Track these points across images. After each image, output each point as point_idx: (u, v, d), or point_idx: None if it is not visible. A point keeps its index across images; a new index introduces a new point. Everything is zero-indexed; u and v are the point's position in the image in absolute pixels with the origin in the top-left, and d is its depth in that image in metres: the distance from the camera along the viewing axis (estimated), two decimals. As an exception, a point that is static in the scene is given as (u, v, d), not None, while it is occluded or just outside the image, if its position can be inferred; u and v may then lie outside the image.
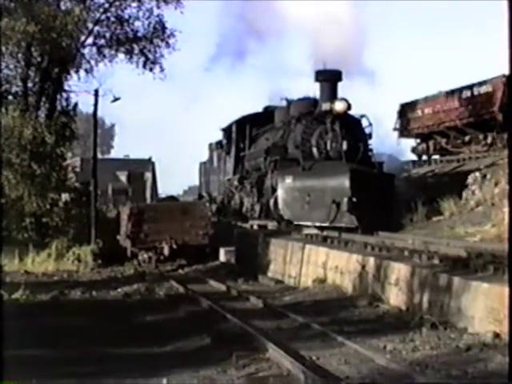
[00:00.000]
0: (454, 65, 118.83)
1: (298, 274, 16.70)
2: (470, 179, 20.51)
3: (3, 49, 21.27)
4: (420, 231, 18.11)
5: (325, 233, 18.39)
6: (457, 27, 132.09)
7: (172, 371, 8.37)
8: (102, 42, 23.44)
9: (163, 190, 60.65)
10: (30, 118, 21.98)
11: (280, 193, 20.17)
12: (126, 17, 23.34)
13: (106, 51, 23.52)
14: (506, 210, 14.74)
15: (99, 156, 43.91)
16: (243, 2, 30.29)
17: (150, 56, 23.53)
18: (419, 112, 32.30)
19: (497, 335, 9.15)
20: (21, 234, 21.57)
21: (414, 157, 33.77)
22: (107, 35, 23.36)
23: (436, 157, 31.64)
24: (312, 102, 22.35)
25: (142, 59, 23.50)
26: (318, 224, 19.05)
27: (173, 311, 13.06)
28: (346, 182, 18.66)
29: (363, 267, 13.58)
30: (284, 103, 24.61)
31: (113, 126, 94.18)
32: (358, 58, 22.98)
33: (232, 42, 40.90)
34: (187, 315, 12.60)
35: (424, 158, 32.66)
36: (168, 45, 23.46)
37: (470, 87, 28.39)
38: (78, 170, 31.20)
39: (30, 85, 23.13)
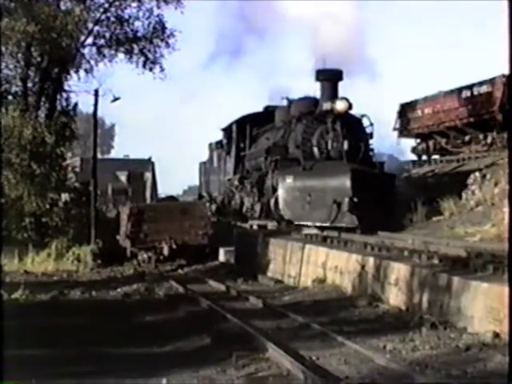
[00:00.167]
0: (454, 64, 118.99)
1: (297, 273, 16.69)
2: (470, 179, 20.51)
3: (3, 49, 21.27)
4: (420, 231, 18.10)
5: (325, 233, 18.38)
6: (457, 27, 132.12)
7: (172, 371, 8.36)
8: (102, 41, 23.48)
9: (163, 190, 60.72)
10: (30, 117, 21.98)
11: (281, 193, 20.16)
12: (126, 17, 23.41)
13: (106, 51, 23.55)
14: (506, 209, 14.75)
15: (99, 156, 43.96)
16: (243, 0, 30.33)
17: (150, 56, 23.56)
18: (419, 112, 32.30)
19: (496, 335, 9.15)
20: (20, 233, 21.57)
21: (413, 157, 33.81)
22: (107, 35, 23.39)
23: (436, 157, 31.66)
24: (313, 102, 22.34)
25: (142, 59, 23.52)
26: (318, 224, 19.02)
27: (172, 311, 13.06)
28: (347, 182, 18.64)
29: (363, 267, 13.58)
30: (284, 103, 24.62)
31: (113, 126, 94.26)
32: (359, 57, 22.99)
33: (231, 40, 41.10)
34: (187, 315, 12.59)
35: (424, 157, 32.68)
36: (168, 45, 23.50)
37: (470, 87, 28.39)
38: (77, 169, 31.18)
39: (29, 85, 23.14)
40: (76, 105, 24.25)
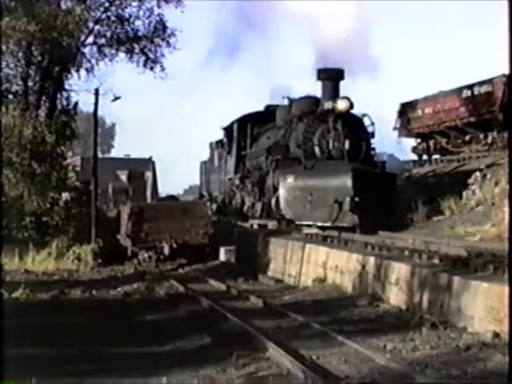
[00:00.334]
0: (454, 64, 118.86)
1: (297, 273, 16.69)
2: (470, 179, 20.51)
3: (4, 48, 21.29)
4: (420, 231, 18.09)
5: (325, 232, 18.37)
6: (457, 26, 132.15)
7: (172, 370, 8.36)
8: (103, 41, 23.50)
9: (164, 190, 60.61)
10: (31, 117, 22.00)
11: (282, 192, 20.13)
12: (127, 16, 23.42)
13: (107, 50, 23.57)
14: (506, 209, 14.76)
15: (100, 155, 43.86)
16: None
17: (151, 55, 23.58)
18: (419, 112, 32.30)
19: (496, 335, 9.14)
20: (21, 232, 21.59)
21: (414, 156, 33.80)
22: (108, 34, 23.41)
23: (436, 156, 31.65)
24: (314, 101, 22.30)
25: (143, 58, 23.54)
26: (319, 224, 19.00)
27: (173, 310, 13.06)
28: (349, 182, 18.62)
29: (363, 267, 13.57)
30: (286, 102, 24.60)
31: (113, 125, 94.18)
32: (360, 56, 22.91)
33: (231, 38, 41.13)
34: (187, 314, 12.60)
35: (424, 157, 32.67)
36: (168, 44, 23.52)
37: (471, 87, 28.37)
38: (78, 169, 31.22)
39: (30, 84, 23.16)
40: (76, 104, 24.32)
